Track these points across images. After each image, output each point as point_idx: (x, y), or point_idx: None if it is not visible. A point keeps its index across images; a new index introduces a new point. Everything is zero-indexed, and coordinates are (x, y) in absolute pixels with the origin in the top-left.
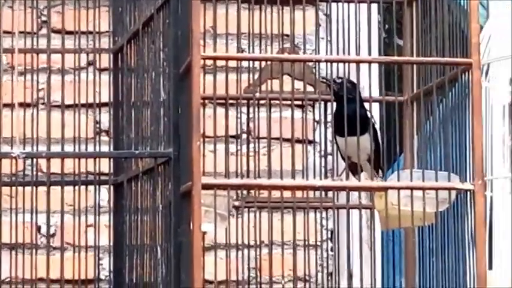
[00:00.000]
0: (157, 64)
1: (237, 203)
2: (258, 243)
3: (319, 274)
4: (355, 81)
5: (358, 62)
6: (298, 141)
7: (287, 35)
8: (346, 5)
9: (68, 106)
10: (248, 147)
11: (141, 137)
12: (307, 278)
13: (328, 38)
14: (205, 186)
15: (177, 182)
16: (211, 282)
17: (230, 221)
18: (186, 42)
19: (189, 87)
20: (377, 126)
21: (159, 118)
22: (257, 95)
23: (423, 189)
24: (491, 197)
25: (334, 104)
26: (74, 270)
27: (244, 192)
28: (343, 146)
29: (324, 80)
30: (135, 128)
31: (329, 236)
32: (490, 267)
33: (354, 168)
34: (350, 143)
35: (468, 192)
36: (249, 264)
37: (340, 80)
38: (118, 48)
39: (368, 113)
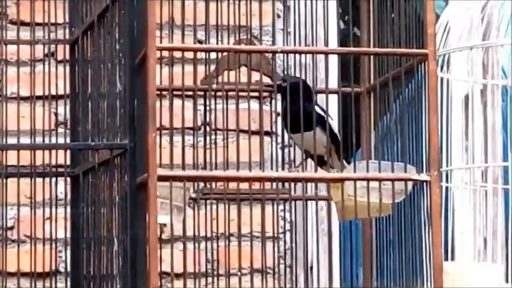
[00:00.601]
0: (113, 55)
1: (194, 195)
2: (215, 235)
3: (279, 266)
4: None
5: (313, 53)
6: (257, 132)
7: (245, 26)
8: None
9: (25, 98)
10: (205, 139)
11: (98, 129)
12: (267, 270)
13: (288, 30)
14: (161, 178)
15: (133, 174)
16: (168, 274)
17: (187, 212)
18: (142, 33)
19: (145, 78)
20: (332, 120)
21: (115, 110)
22: (214, 86)
23: (379, 180)
24: (450, 188)
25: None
26: (31, 263)
27: (203, 184)
28: (298, 141)
29: (280, 82)
30: (91, 120)
31: (289, 227)
32: (453, 258)
33: (320, 161)
34: (302, 138)
35: (424, 183)
36: (206, 257)
37: (294, 79)
38: (74, 39)
39: (317, 108)
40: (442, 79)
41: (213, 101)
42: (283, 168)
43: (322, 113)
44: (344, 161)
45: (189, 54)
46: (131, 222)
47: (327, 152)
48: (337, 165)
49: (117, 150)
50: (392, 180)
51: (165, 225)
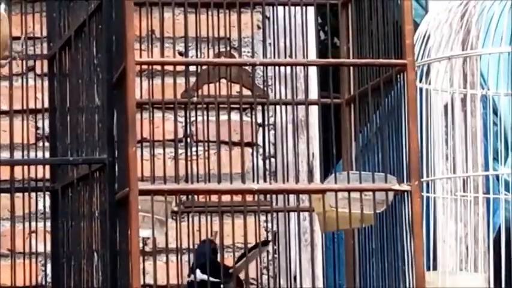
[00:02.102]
0: (91, 70)
1: (175, 208)
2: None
3: (264, 276)
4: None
5: (292, 65)
6: (239, 144)
7: (228, 38)
8: (287, 8)
9: (5, 112)
10: (186, 151)
11: (77, 144)
12: (251, 281)
13: (268, 41)
14: (142, 192)
15: (112, 188)
16: (151, 287)
17: (170, 225)
18: (121, 47)
19: (124, 92)
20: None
21: (94, 124)
22: (194, 99)
23: (361, 190)
24: (434, 198)
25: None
26: (11, 277)
27: (185, 197)
28: None
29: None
30: (70, 135)
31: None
32: (435, 267)
33: None
34: None
35: (405, 193)
36: (189, 269)
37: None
38: (53, 54)
39: None
40: (422, 89)
41: (193, 113)
42: (265, 180)
43: None
44: None
45: (169, 67)
46: (111, 236)
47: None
48: None
49: (96, 165)
50: (374, 190)
51: (148, 238)
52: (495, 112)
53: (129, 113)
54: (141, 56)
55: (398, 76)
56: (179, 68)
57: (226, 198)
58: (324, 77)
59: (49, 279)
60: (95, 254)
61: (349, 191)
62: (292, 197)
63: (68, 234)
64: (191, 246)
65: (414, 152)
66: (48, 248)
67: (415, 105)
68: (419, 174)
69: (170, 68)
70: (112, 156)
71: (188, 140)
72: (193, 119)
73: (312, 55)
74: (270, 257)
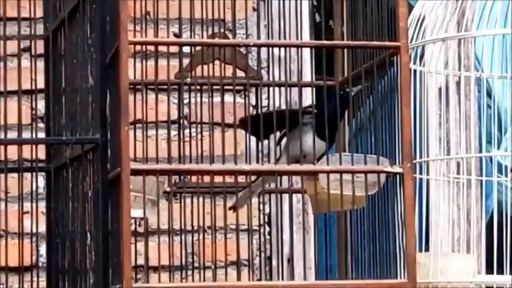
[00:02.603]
0: (85, 50)
1: (168, 189)
2: (194, 228)
3: (256, 258)
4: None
5: (286, 46)
6: (232, 126)
7: (222, 20)
8: None
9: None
10: (179, 133)
11: (71, 124)
12: (243, 262)
13: (263, 24)
14: (134, 172)
15: (105, 168)
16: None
17: (162, 206)
18: (114, 27)
19: (117, 72)
20: None
21: (88, 104)
22: (188, 80)
23: (352, 172)
24: (427, 180)
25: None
26: (6, 257)
27: (178, 177)
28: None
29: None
30: (65, 115)
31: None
32: (428, 250)
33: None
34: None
35: (397, 175)
36: (181, 250)
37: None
38: (48, 34)
39: None
40: (416, 71)
41: (187, 95)
42: (257, 161)
43: None
44: None
45: (163, 48)
46: (103, 216)
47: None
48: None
49: (89, 144)
50: (365, 172)
51: (141, 219)
52: (489, 95)
53: (121, 93)
54: (134, 36)
55: (392, 59)
56: (173, 49)
57: (219, 180)
58: (319, 61)
59: (43, 260)
60: (88, 234)
61: (341, 172)
62: (285, 179)
63: (62, 215)
64: (183, 228)
65: (407, 134)
66: (42, 228)
67: (408, 88)
68: (411, 156)
69: (164, 49)
70: (105, 136)
71: (181, 121)
72: (186, 100)
73: (306, 38)
74: (264, 239)
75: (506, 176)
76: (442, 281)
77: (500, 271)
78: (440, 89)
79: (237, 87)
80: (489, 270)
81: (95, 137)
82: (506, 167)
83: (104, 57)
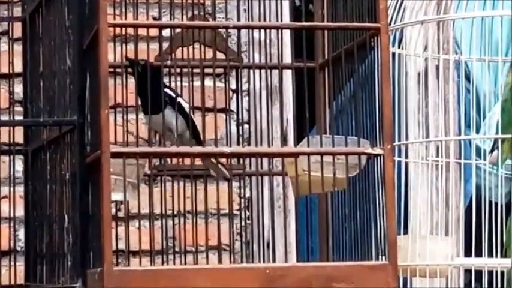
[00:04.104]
0: (63, 32)
1: (148, 172)
2: (174, 212)
3: (237, 243)
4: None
5: (266, 28)
6: (212, 110)
7: (202, 4)
8: None
9: None
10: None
11: (49, 106)
12: (224, 247)
13: (243, 7)
14: (114, 155)
15: (82, 150)
16: (128, 251)
17: (142, 190)
18: (93, 10)
19: (97, 56)
20: (183, 102)
21: (66, 87)
22: (168, 63)
23: (333, 154)
24: (406, 163)
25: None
26: None
27: (161, 160)
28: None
29: (129, 61)
30: (43, 98)
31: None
32: (406, 232)
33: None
34: (154, 120)
35: (378, 157)
36: (162, 234)
37: (143, 62)
38: (26, 16)
39: (169, 90)
40: (397, 55)
41: (168, 79)
42: (238, 145)
43: (172, 94)
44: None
45: (143, 32)
46: (81, 199)
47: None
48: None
49: (67, 126)
50: (346, 154)
51: (121, 202)
52: (468, 78)
53: (101, 75)
54: (114, 20)
55: (372, 40)
56: (153, 32)
57: (200, 163)
58: (300, 44)
59: (21, 244)
60: (66, 217)
61: (321, 154)
62: (266, 162)
63: (40, 198)
64: (163, 212)
65: (387, 115)
66: (21, 212)
67: (388, 69)
68: (392, 138)
69: (144, 32)
70: (82, 118)
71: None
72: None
73: (286, 21)
74: (244, 223)
75: (485, 159)
76: (420, 264)
77: (479, 254)
78: (419, 73)
79: (217, 71)
80: (468, 253)
81: (73, 118)
82: (485, 150)
83: (81, 38)
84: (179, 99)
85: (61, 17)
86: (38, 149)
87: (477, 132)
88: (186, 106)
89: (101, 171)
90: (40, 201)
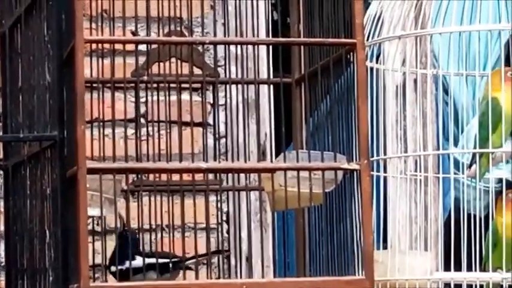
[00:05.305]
0: (42, 47)
1: (125, 187)
2: (151, 227)
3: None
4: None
5: (242, 44)
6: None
7: (179, 18)
8: None
9: None
10: (136, 131)
11: (29, 122)
12: (202, 261)
13: (221, 22)
14: (91, 171)
15: (63, 165)
16: (106, 266)
17: (121, 205)
18: (70, 25)
19: (73, 70)
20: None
21: (45, 102)
22: (144, 78)
23: (309, 169)
24: (386, 178)
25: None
26: None
27: (136, 176)
28: None
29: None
30: (23, 113)
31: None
32: (385, 247)
33: None
34: None
35: (354, 172)
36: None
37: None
38: (4, 31)
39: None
40: (375, 69)
41: (144, 93)
42: (215, 159)
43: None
44: None
45: (119, 46)
46: (62, 214)
47: None
48: None
49: (47, 142)
50: (323, 169)
51: (99, 217)
52: (446, 92)
53: (77, 91)
54: (91, 35)
55: (348, 55)
56: (129, 47)
57: (177, 178)
58: (276, 58)
59: (1, 259)
60: (47, 232)
61: (298, 169)
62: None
63: (20, 213)
64: (141, 226)
65: (363, 130)
66: (1, 227)
67: (365, 84)
68: (368, 152)
69: (120, 47)
70: (63, 133)
71: (138, 119)
72: (143, 99)
73: (263, 35)
74: (223, 238)
75: (463, 173)
76: (399, 279)
77: (458, 268)
78: (397, 87)
79: (194, 85)
80: (447, 267)
81: (53, 134)
82: (463, 163)
83: (60, 54)
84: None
85: (40, 31)
86: (18, 164)
87: (455, 145)
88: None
89: (78, 187)
90: (21, 216)
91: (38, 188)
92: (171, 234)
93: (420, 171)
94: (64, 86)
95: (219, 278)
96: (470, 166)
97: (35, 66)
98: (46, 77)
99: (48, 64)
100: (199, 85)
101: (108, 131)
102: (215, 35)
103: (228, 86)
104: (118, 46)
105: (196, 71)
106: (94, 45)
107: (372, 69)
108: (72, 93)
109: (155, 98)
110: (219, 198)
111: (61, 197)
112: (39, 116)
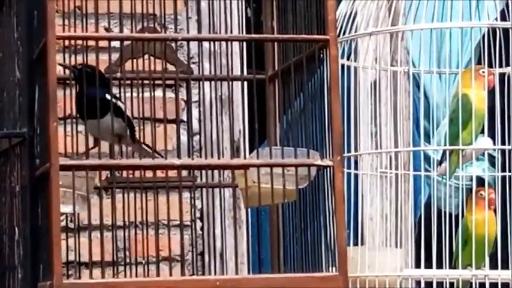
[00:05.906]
0: (12, 44)
1: (98, 184)
2: (125, 224)
3: (190, 254)
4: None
5: (215, 40)
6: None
7: (152, 15)
8: None
9: None
10: (112, 128)
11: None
12: (176, 258)
13: (195, 18)
14: (63, 167)
15: (33, 162)
16: (79, 263)
17: (94, 202)
18: (42, 22)
19: (45, 68)
20: (123, 106)
21: (15, 98)
22: (118, 75)
23: (283, 166)
24: (360, 175)
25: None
26: None
27: (111, 172)
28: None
29: (66, 66)
30: None
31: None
32: (362, 243)
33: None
34: (90, 125)
35: (327, 168)
36: (113, 246)
37: (80, 66)
38: None
39: (108, 95)
40: (346, 66)
41: (118, 90)
42: (188, 156)
43: (114, 100)
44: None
45: (92, 43)
46: (31, 211)
47: (113, 137)
48: (136, 148)
49: (16, 139)
50: (296, 166)
51: (72, 214)
52: (419, 89)
53: (49, 88)
54: (64, 31)
55: (321, 52)
56: (102, 44)
57: (150, 175)
58: (250, 54)
59: None
60: (16, 229)
61: (271, 166)
62: (217, 173)
63: None
64: (114, 223)
65: (337, 127)
66: None
67: (337, 81)
68: (341, 149)
69: (93, 44)
70: (32, 131)
71: (111, 116)
72: (117, 96)
73: (236, 32)
74: (197, 234)
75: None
76: (370, 275)
77: (429, 265)
78: (371, 84)
79: (168, 82)
80: (418, 264)
81: (22, 131)
82: (436, 160)
83: (31, 50)
84: (118, 102)
85: (10, 28)
86: None
87: (428, 142)
88: (123, 107)
89: (50, 184)
90: None
91: (7, 185)
92: (145, 231)
93: (391, 168)
94: (36, 83)
95: (192, 274)
96: (440, 163)
97: (5, 63)
98: (16, 74)
99: (18, 61)
100: (172, 82)
101: (81, 127)
102: (188, 31)
103: (201, 83)
104: (91, 43)
105: (170, 67)
106: (67, 42)
107: (343, 66)
108: (44, 90)
109: (128, 94)
110: (192, 195)
111: (30, 194)
112: (9, 113)
